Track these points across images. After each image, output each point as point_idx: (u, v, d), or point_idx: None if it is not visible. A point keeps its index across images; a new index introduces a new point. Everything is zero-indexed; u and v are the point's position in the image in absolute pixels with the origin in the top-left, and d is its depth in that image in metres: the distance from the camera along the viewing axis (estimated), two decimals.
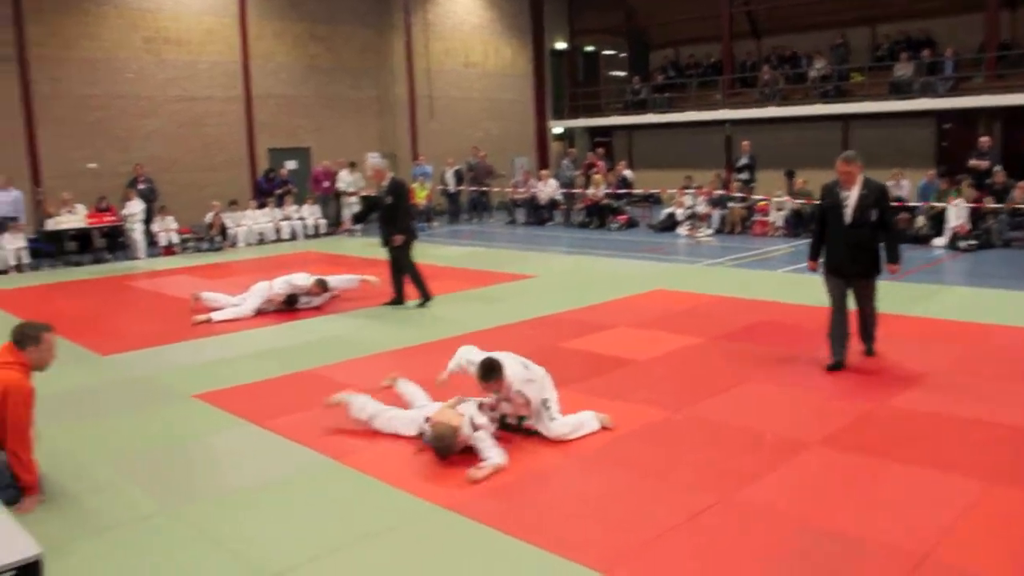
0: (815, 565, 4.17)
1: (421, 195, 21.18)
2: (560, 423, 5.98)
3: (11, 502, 4.81)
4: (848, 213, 7.30)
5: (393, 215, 11.06)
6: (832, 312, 7.55)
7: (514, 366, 5.99)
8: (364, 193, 21.36)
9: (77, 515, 5.03)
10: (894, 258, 7.54)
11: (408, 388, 6.73)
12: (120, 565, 4.43)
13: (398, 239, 10.94)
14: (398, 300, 11.26)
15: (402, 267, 11.17)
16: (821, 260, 7.75)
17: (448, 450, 5.59)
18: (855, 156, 7.37)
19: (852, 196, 7.29)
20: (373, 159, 11.65)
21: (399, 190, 11.16)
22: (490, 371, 5.86)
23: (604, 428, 6.12)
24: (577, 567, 4.21)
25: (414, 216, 11.17)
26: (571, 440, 5.93)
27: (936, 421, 6.16)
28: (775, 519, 4.68)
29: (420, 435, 5.90)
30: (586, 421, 6.10)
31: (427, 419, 5.87)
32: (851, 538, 4.41)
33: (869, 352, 7.84)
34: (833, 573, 4.09)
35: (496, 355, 6.02)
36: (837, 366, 7.49)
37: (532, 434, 6.03)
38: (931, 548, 4.27)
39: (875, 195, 7.28)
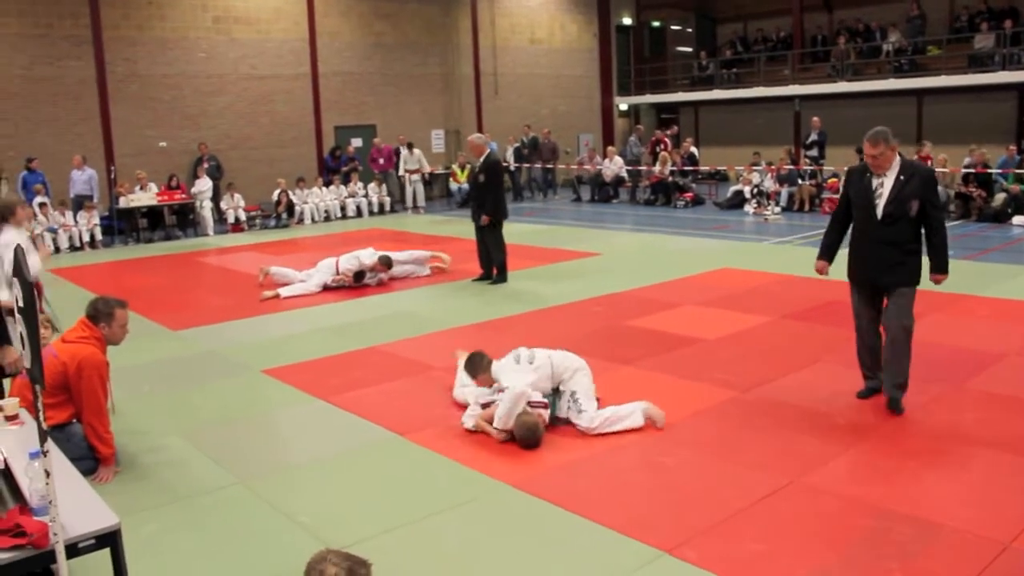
0: (887, 549, 4.07)
1: (462, 175, 21.19)
2: (588, 416, 5.74)
3: (88, 473, 4.94)
4: (881, 205, 5.80)
5: (484, 193, 11.06)
6: (857, 335, 6.21)
7: (504, 361, 6.06)
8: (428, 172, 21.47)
9: (152, 486, 5.15)
10: (940, 266, 5.91)
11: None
12: (194, 536, 4.52)
13: (486, 219, 10.94)
14: (486, 276, 11.29)
15: (489, 245, 11.18)
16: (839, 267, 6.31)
17: (539, 442, 5.52)
18: (885, 134, 5.76)
19: (886, 184, 5.79)
20: (475, 137, 11.72)
21: (493, 169, 11.15)
22: (468, 363, 6.18)
23: (655, 427, 5.76)
24: (643, 546, 4.18)
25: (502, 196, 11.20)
26: (607, 433, 5.67)
27: (1013, 404, 5.97)
28: (845, 502, 4.58)
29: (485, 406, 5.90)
30: (627, 414, 5.76)
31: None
32: (925, 523, 4.29)
33: (892, 405, 5.94)
34: (906, 557, 3.99)
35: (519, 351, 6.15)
36: (869, 392, 6.20)
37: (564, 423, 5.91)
38: (1013, 537, 4.13)
39: (918, 183, 5.72)
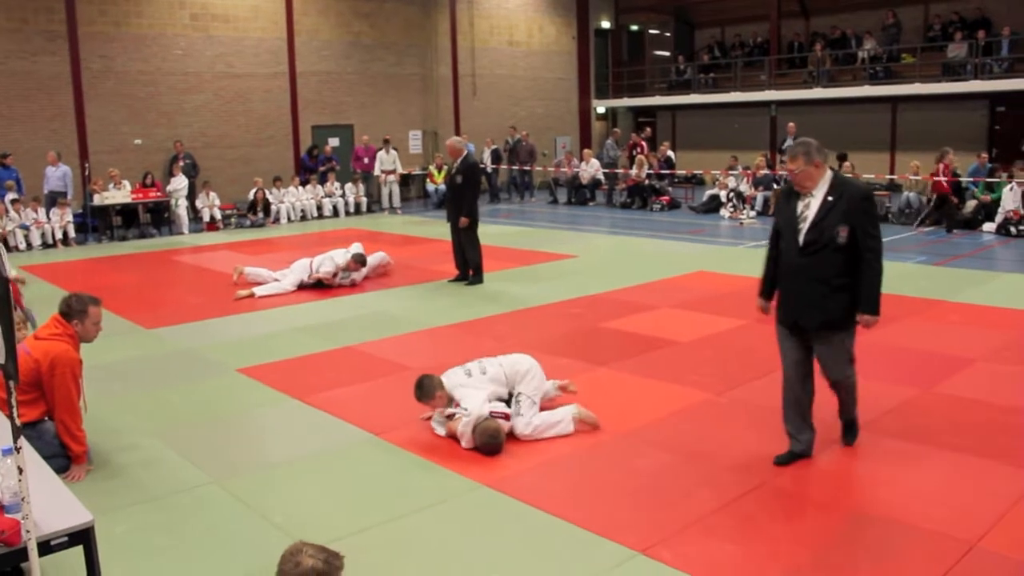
0: (859, 550, 4.13)
1: (439, 176, 21.20)
2: (524, 421, 5.69)
3: (60, 471, 4.89)
4: (803, 232, 4.91)
5: (461, 195, 11.06)
6: (783, 384, 5.26)
7: (454, 375, 5.93)
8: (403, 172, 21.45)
9: (125, 485, 5.12)
10: (868, 304, 4.86)
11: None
12: (167, 535, 4.50)
13: (464, 221, 10.95)
14: (462, 277, 11.30)
15: (464, 247, 11.18)
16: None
17: (500, 448, 5.49)
18: (806, 147, 4.86)
19: (812, 206, 4.88)
20: (453, 139, 11.70)
21: (471, 171, 11.17)
22: (419, 389, 5.85)
23: (592, 426, 5.77)
24: (617, 546, 4.21)
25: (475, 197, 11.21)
26: (539, 440, 5.64)
27: (982, 409, 6.05)
28: (818, 504, 4.64)
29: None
30: (557, 421, 5.75)
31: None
32: (896, 524, 4.35)
33: (847, 443, 5.46)
34: (878, 558, 4.04)
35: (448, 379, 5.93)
36: (790, 457, 5.18)
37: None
38: (979, 537, 4.20)
39: (846, 205, 4.79)
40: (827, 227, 4.80)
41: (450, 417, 5.78)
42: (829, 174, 4.91)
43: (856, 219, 4.78)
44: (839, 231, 4.78)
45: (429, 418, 6.00)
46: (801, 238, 4.91)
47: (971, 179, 16.35)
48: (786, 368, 5.21)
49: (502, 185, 23.54)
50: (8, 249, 14.09)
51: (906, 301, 9.44)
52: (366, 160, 21.08)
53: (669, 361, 7.45)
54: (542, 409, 5.90)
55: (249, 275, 11.29)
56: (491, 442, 5.45)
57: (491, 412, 5.62)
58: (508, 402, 5.85)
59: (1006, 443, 5.40)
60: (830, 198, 4.83)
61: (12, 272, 6.96)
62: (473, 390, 5.75)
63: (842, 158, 18.62)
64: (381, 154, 21.05)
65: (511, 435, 5.67)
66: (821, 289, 4.88)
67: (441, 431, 5.81)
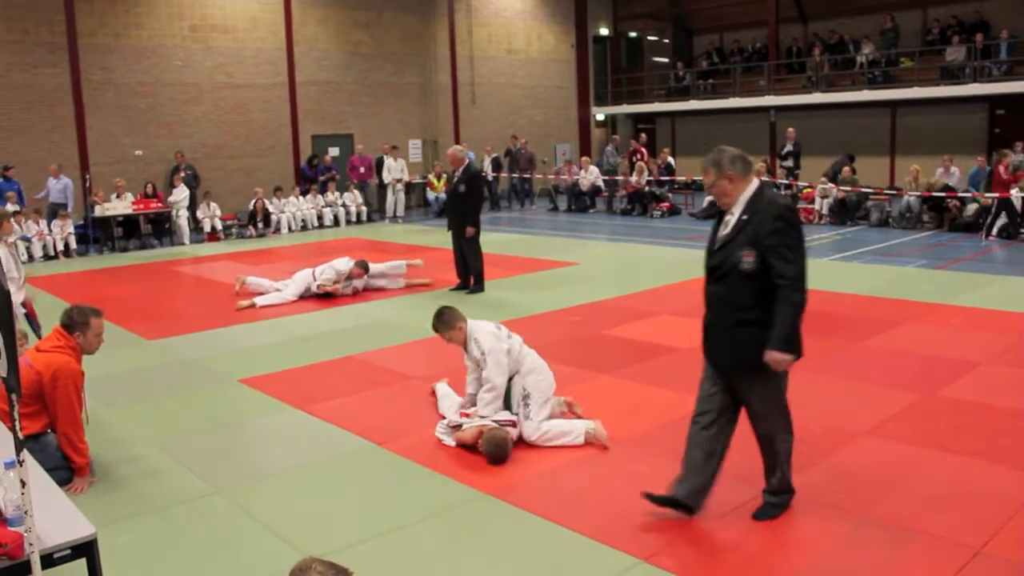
0: (864, 555, 4.12)
1: (439, 184, 21.23)
2: (534, 425, 5.70)
3: (63, 483, 4.89)
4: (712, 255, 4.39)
5: (464, 204, 11.05)
6: (692, 417, 4.62)
7: (484, 323, 6.02)
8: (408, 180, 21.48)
9: (127, 496, 5.12)
10: (776, 339, 4.11)
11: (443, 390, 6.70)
12: (170, 545, 4.50)
13: (470, 231, 10.94)
14: (463, 285, 11.28)
15: (466, 255, 11.17)
16: None
17: (506, 457, 5.49)
18: (717, 158, 4.27)
19: (729, 225, 4.28)
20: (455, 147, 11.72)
21: (474, 181, 11.15)
22: (438, 316, 6.00)
23: (601, 446, 5.65)
24: (620, 555, 4.20)
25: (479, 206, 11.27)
26: (546, 447, 5.63)
27: (985, 412, 6.05)
28: (822, 509, 4.62)
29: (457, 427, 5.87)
30: (569, 431, 5.72)
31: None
32: (901, 529, 4.34)
33: (757, 514, 4.56)
34: (883, 564, 4.03)
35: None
36: (663, 501, 4.54)
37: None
38: (984, 542, 4.19)
39: (757, 225, 4.13)
40: (732, 250, 4.20)
41: (457, 428, 5.77)
42: (751, 189, 4.24)
43: (766, 241, 4.09)
44: (743, 255, 4.14)
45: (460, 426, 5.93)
46: (708, 262, 4.38)
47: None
48: (697, 400, 4.58)
49: (502, 193, 23.55)
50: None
51: (908, 305, 9.45)
52: (362, 170, 21.08)
53: (670, 368, 7.45)
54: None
55: (251, 285, 11.30)
56: (497, 451, 5.44)
57: (498, 421, 5.62)
58: (507, 401, 5.88)
59: (1011, 447, 5.39)
60: (744, 217, 4.19)
61: (20, 295, 7.01)
62: (496, 363, 5.80)
63: (851, 158, 18.47)
64: (389, 162, 21.06)
65: (518, 440, 5.67)
66: (726, 322, 4.29)
67: (449, 440, 5.79)
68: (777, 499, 4.57)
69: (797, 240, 4.14)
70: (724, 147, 4.31)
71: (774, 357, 4.13)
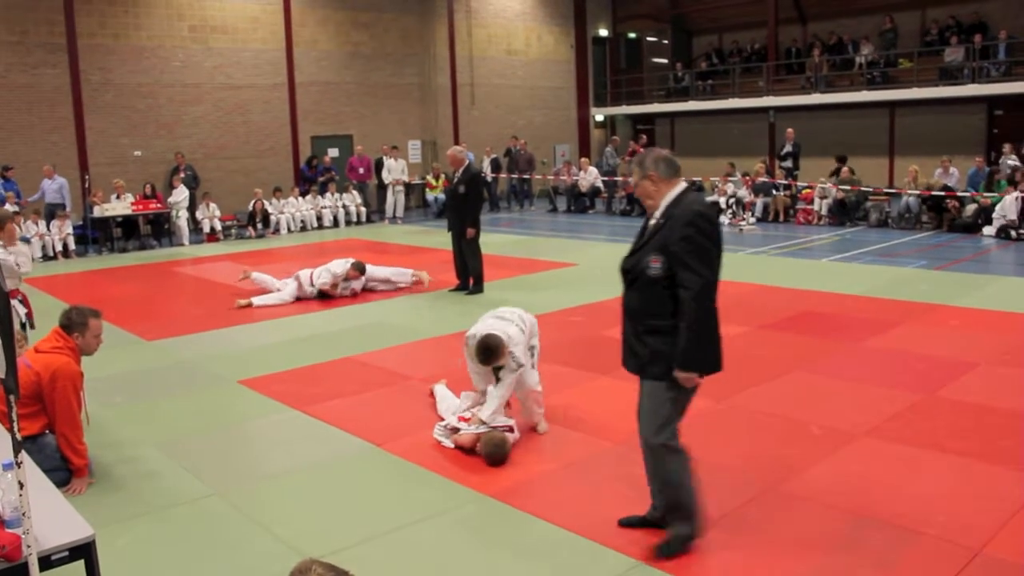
0: (865, 555, 4.11)
1: (438, 185, 21.22)
2: (536, 375, 6.01)
3: (61, 484, 4.89)
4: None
5: (464, 205, 11.04)
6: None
7: (503, 327, 5.88)
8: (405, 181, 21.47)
9: (126, 497, 5.11)
10: (681, 356, 3.96)
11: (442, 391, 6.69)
12: (169, 547, 4.49)
13: (471, 232, 10.94)
14: (463, 286, 11.28)
15: (466, 256, 11.17)
16: None
17: (505, 458, 5.48)
18: (641, 159, 4.20)
19: (647, 229, 4.20)
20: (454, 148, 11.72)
21: (474, 182, 11.14)
22: (486, 351, 5.57)
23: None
24: (621, 556, 4.20)
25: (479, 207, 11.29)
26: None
27: (985, 413, 6.04)
28: (823, 510, 4.62)
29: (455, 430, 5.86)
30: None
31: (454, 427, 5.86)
32: (901, 529, 4.33)
33: (657, 552, 4.17)
34: (884, 564, 4.03)
35: (489, 328, 5.80)
36: (636, 521, 4.47)
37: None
38: (983, 543, 4.18)
39: (669, 229, 4.00)
40: (643, 255, 4.08)
41: (455, 430, 5.76)
42: (675, 192, 4.10)
43: (672, 247, 3.93)
44: (650, 261, 4.01)
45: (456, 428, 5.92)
46: (623, 265, 4.26)
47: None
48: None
49: (501, 194, 23.55)
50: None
51: (907, 305, 9.44)
52: (361, 170, 21.08)
53: None
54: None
55: (256, 280, 11.29)
56: (496, 452, 5.44)
57: (494, 426, 5.62)
58: None
59: (1010, 447, 5.38)
60: (662, 220, 4.06)
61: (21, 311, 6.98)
62: (530, 368, 5.97)
63: (841, 160, 18.50)
64: (390, 162, 21.06)
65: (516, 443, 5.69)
66: (633, 328, 4.21)
67: (447, 442, 5.78)
68: (675, 536, 4.20)
69: (705, 249, 3.94)
70: (652, 148, 4.21)
71: (679, 376, 4.00)
